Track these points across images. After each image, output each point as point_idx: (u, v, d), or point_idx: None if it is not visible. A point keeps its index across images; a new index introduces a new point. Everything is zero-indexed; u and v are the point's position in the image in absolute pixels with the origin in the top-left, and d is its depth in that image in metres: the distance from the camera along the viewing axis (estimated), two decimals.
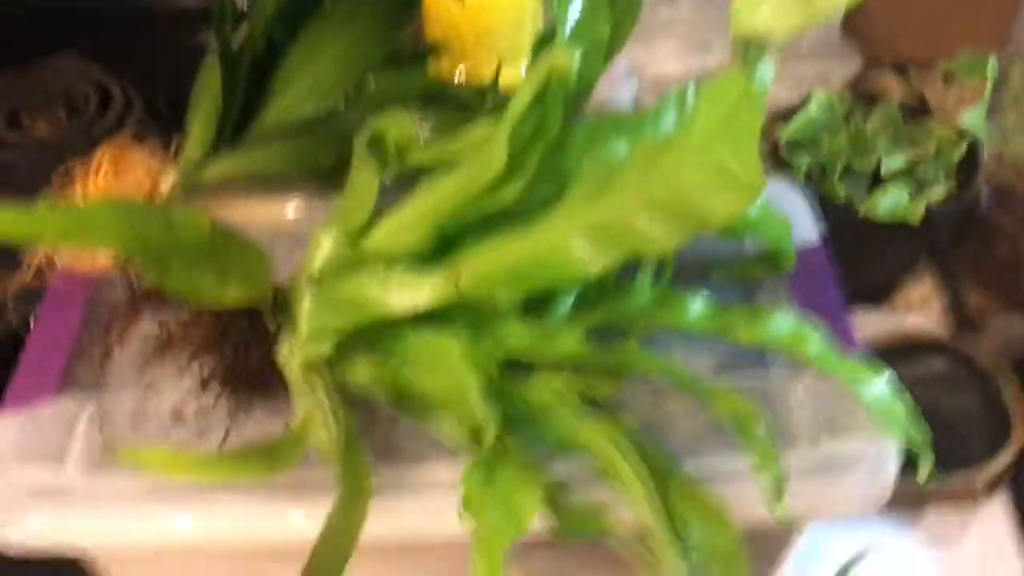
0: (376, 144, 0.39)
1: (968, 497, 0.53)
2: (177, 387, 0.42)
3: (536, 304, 0.39)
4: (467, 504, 0.32)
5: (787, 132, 0.60)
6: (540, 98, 0.34)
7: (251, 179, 0.50)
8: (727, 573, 0.39)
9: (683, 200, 0.33)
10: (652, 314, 0.41)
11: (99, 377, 0.42)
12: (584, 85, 0.37)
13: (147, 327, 0.42)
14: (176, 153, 0.49)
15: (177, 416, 0.41)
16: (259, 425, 0.40)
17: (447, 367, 0.34)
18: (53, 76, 0.83)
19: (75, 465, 0.40)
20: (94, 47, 0.83)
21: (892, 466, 0.41)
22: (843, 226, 0.59)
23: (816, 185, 0.60)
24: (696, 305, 0.41)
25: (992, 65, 0.56)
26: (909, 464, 0.53)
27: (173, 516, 0.38)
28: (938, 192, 0.58)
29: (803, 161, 0.59)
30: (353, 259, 0.37)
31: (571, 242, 0.35)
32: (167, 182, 0.48)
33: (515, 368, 0.37)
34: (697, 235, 0.44)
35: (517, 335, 0.37)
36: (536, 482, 0.34)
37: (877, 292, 0.66)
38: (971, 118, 0.59)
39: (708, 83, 0.33)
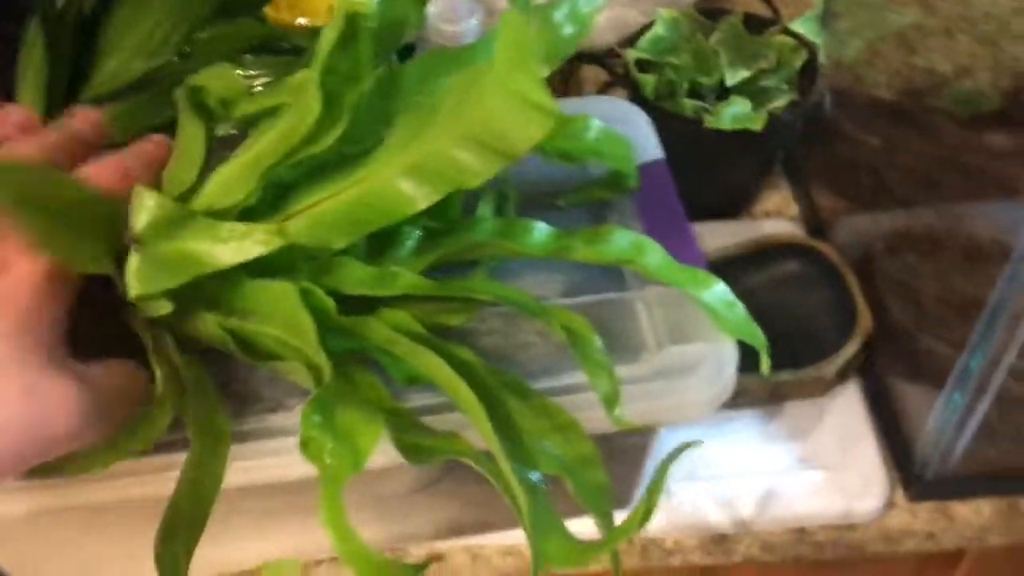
0: (199, 99, 0.39)
1: (821, 387, 0.56)
2: None
3: (381, 244, 0.40)
4: (305, 444, 0.33)
5: (633, 52, 0.62)
6: (347, 40, 0.34)
7: None
8: (584, 480, 0.41)
9: (491, 130, 0.34)
10: (495, 244, 0.42)
11: None
12: (395, 23, 0.37)
13: None
14: None
15: None
16: None
17: (284, 312, 0.35)
18: None
19: None
20: None
21: (731, 368, 0.43)
22: (693, 141, 0.62)
23: (664, 103, 0.62)
24: (538, 231, 0.42)
25: None
26: (772, 362, 0.56)
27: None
28: (781, 101, 0.61)
29: (650, 80, 0.61)
30: (180, 217, 0.37)
31: (395, 182, 0.36)
32: None
33: (359, 307, 0.38)
34: (544, 164, 0.46)
35: (355, 275, 0.37)
36: (376, 417, 0.35)
37: (736, 204, 0.69)
38: (804, 26, 0.61)
39: (505, 12, 0.34)
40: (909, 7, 0.58)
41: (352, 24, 0.34)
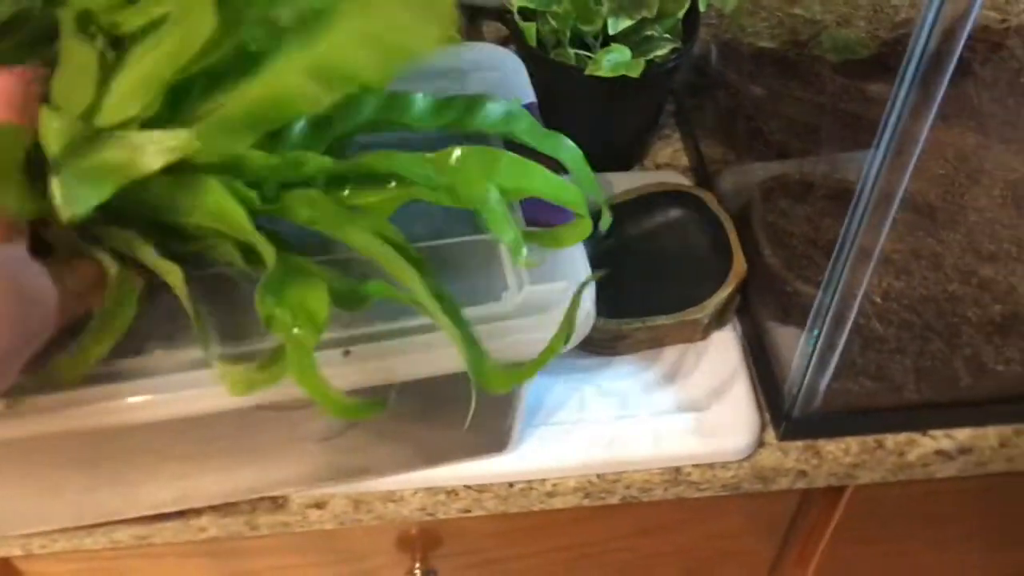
0: (84, 19, 0.38)
1: (698, 331, 0.58)
2: None
3: (269, 136, 0.40)
4: (267, 322, 0.36)
5: (517, 2, 0.62)
6: None
7: None
8: None
9: (392, 31, 0.37)
10: (382, 118, 0.43)
11: None
12: None
13: None
14: None
15: None
16: None
17: (214, 205, 0.37)
18: None
19: None
20: None
21: (589, 304, 0.44)
22: (577, 89, 0.62)
23: (548, 53, 0.62)
24: (419, 102, 0.44)
25: None
26: (648, 308, 0.57)
27: None
28: (662, 49, 0.61)
29: (533, 29, 0.61)
30: (94, 133, 0.37)
31: (298, 83, 0.38)
32: None
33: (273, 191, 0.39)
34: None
35: (266, 164, 0.38)
36: (318, 281, 0.38)
37: (628, 155, 0.70)
38: None
39: None
40: None
41: None
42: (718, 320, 0.58)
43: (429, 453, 0.52)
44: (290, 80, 0.37)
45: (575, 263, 0.45)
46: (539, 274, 0.45)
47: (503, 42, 0.73)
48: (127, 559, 0.61)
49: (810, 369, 0.52)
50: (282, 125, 0.39)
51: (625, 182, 0.65)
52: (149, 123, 0.37)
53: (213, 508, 0.53)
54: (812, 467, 0.56)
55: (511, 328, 0.43)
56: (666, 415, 0.56)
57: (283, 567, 0.64)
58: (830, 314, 0.48)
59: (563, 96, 0.64)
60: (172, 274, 0.38)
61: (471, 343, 0.39)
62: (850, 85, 0.57)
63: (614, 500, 0.57)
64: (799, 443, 0.56)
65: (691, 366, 0.58)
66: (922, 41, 0.37)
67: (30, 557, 0.59)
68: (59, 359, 0.38)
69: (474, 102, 0.45)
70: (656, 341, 0.58)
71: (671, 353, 0.58)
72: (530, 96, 0.52)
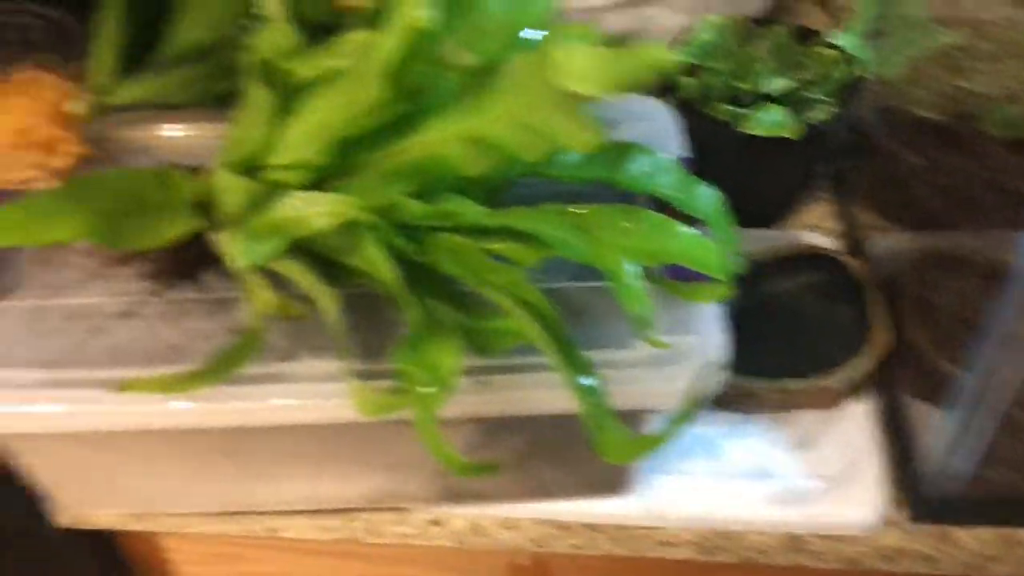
0: (264, 65, 0.42)
1: (831, 399, 0.57)
2: (78, 290, 0.46)
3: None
4: (401, 377, 0.38)
5: (677, 55, 0.63)
6: (408, 48, 0.37)
7: (158, 103, 0.53)
8: None
9: (544, 126, 0.39)
10: (533, 169, 0.45)
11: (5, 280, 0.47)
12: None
13: None
14: (84, 78, 0.52)
15: (71, 315, 0.46)
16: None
17: (368, 257, 0.40)
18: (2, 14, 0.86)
19: None
20: None
21: (719, 361, 0.45)
22: (729, 145, 0.63)
23: (702, 107, 0.63)
24: (570, 155, 0.45)
25: None
26: (781, 369, 0.57)
27: (76, 404, 0.43)
28: (820, 112, 0.61)
29: (691, 83, 0.62)
30: (263, 189, 0.40)
31: (454, 149, 0.40)
32: (77, 106, 0.51)
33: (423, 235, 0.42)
34: None
35: (422, 213, 0.41)
36: (457, 344, 0.40)
37: (775, 214, 0.69)
38: (847, 40, 0.61)
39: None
40: (957, 28, 0.58)
41: (414, 36, 0.36)
42: (853, 390, 0.57)
43: (548, 486, 0.54)
44: (448, 144, 0.40)
45: (709, 319, 0.46)
46: (672, 325, 0.45)
47: (657, 93, 0.75)
48: (255, 548, 0.64)
49: (946, 451, 0.51)
50: (438, 181, 0.41)
51: (770, 240, 0.65)
52: (316, 171, 0.40)
53: (340, 511, 0.56)
54: (941, 553, 0.54)
55: (638, 377, 0.44)
56: (792, 480, 0.55)
57: (396, 575, 0.66)
58: (972, 397, 0.47)
59: (713, 151, 0.65)
60: (326, 298, 0.40)
61: (596, 410, 0.40)
62: (1014, 163, 0.55)
63: (728, 559, 0.56)
64: (929, 526, 0.54)
65: (821, 434, 0.57)
66: None
67: (174, 535, 0.63)
68: (201, 368, 0.41)
69: (624, 152, 0.47)
70: (787, 404, 0.57)
71: (802, 418, 0.58)
72: (682, 151, 0.54)
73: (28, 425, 0.44)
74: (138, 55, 0.53)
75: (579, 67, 0.35)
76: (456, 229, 0.42)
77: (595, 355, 0.42)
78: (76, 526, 0.57)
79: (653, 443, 0.41)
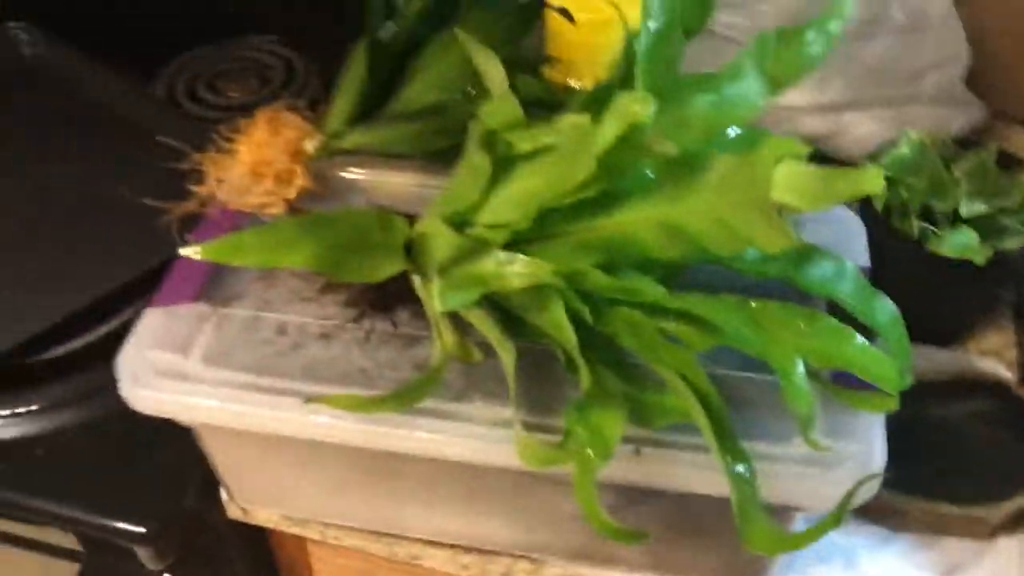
0: (489, 136, 0.46)
1: (984, 530, 0.55)
2: (288, 308, 0.51)
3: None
4: (567, 436, 0.41)
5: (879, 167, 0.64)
6: (623, 139, 0.40)
7: (380, 151, 0.59)
8: None
9: (739, 225, 0.41)
10: (715, 257, 0.47)
11: (228, 293, 0.53)
12: None
13: None
14: (322, 122, 0.59)
15: (281, 330, 0.51)
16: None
17: (551, 317, 0.43)
18: (249, 51, 0.97)
19: (197, 356, 0.50)
20: (286, 29, 0.96)
21: (874, 470, 0.45)
22: (913, 261, 0.63)
23: (893, 221, 0.63)
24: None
25: None
26: (936, 491, 0.56)
27: (272, 409, 0.48)
28: (1013, 242, 0.61)
29: (883, 197, 0.63)
30: (469, 244, 0.45)
31: (648, 233, 0.43)
32: (312, 145, 0.58)
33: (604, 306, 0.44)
34: None
35: (607, 286, 0.44)
36: (622, 413, 0.42)
37: (953, 336, 0.68)
38: None
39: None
40: None
41: (629, 127, 0.40)
42: (1010, 525, 0.56)
43: (684, 565, 0.55)
44: (645, 227, 0.43)
45: (872, 429, 0.46)
46: (832, 429, 0.46)
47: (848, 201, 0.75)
48: (395, 572, 0.68)
49: None
50: (626, 258, 0.44)
51: (943, 360, 0.64)
52: (518, 233, 0.44)
53: (480, 551, 0.59)
54: None
55: (792, 474, 0.45)
56: None
57: None
58: None
59: (897, 265, 0.65)
60: (507, 352, 0.44)
61: (747, 498, 0.41)
62: None
63: None
64: None
65: (969, 565, 0.55)
66: None
67: (322, 544, 0.68)
68: (386, 395, 0.45)
69: (806, 253, 0.48)
70: (937, 529, 0.56)
71: (950, 545, 0.56)
72: (864, 260, 0.54)
73: (223, 419, 0.49)
74: (371, 107, 0.59)
75: (793, 183, 0.37)
76: (636, 305, 0.45)
77: (752, 446, 0.44)
78: (242, 519, 0.63)
79: (799, 541, 0.41)
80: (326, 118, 0.59)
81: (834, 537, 0.57)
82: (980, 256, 0.59)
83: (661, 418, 0.44)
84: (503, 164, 0.44)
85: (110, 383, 0.49)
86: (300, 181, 0.56)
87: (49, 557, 0.64)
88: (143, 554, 0.60)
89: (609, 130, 0.40)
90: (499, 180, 0.45)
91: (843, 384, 0.47)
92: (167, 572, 0.64)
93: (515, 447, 0.43)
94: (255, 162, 0.56)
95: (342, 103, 0.58)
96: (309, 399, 0.45)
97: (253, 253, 0.41)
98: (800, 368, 0.43)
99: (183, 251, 0.41)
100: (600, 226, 0.44)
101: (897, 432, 0.60)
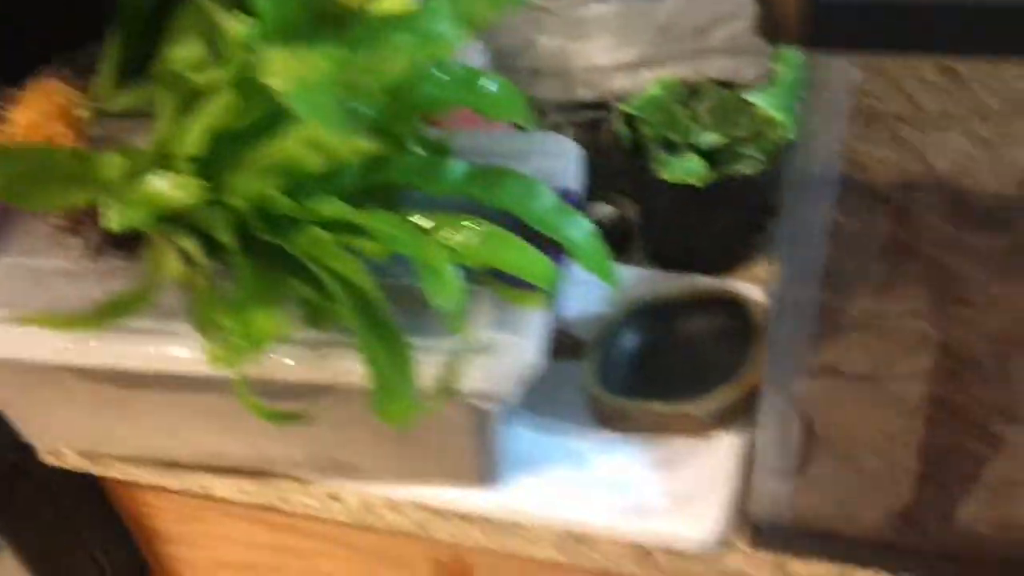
0: (171, 75, 0.52)
1: (696, 426, 0.60)
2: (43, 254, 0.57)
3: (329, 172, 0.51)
4: (225, 332, 0.48)
5: (624, 106, 0.69)
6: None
7: (146, 111, 0.65)
8: None
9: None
10: (419, 177, 0.53)
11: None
12: None
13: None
14: (90, 90, 0.64)
15: (35, 272, 0.57)
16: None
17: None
18: None
19: None
20: None
21: (533, 357, 0.50)
22: (659, 193, 0.68)
23: (646, 156, 0.68)
24: (454, 170, 0.53)
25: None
26: (654, 394, 0.61)
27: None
28: (744, 167, 0.66)
29: (626, 133, 0.68)
30: (138, 172, 0.50)
31: (297, 150, 0.49)
32: (81, 110, 0.63)
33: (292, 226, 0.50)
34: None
35: (289, 207, 0.50)
36: (275, 309, 0.49)
37: (717, 264, 0.73)
38: (765, 99, 0.65)
39: None
40: (892, 98, 0.61)
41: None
42: (723, 422, 0.60)
43: (410, 469, 0.60)
44: (296, 146, 0.49)
45: (533, 324, 0.51)
46: (499, 324, 0.51)
47: (602, 143, 0.80)
48: (214, 512, 0.73)
49: (771, 478, 0.53)
50: (296, 177, 0.50)
51: (691, 285, 0.69)
52: (200, 163, 0.50)
53: (258, 477, 0.64)
54: None
55: (457, 363, 0.50)
56: (649, 497, 0.58)
57: (325, 553, 0.73)
58: (775, 420, 0.50)
59: (650, 200, 0.70)
60: (204, 266, 0.49)
61: (387, 381, 0.47)
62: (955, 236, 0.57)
63: (589, 565, 0.60)
64: (767, 554, 0.57)
65: (685, 458, 0.60)
66: None
67: (144, 489, 0.73)
68: (90, 312, 0.51)
69: (499, 176, 0.54)
70: (658, 428, 0.61)
71: (674, 444, 0.61)
72: (574, 184, 0.60)
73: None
74: (138, 69, 0.65)
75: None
76: (320, 224, 0.50)
77: (423, 341, 0.49)
78: (54, 464, 0.68)
79: (420, 409, 0.47)
80: (94, 84, 0.64)
81: (568, 441, 0.63)
82: (699, 179, 0.64)
83: (327, 318, 0.49)
84: (188, 101, 0.50)
85: None
86: (67, 142, 0.62)
87: None
88: None
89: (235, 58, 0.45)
90: (185, 115, 0.50)
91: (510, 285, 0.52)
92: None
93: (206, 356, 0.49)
94: (28, 128, 0.62)
95: (107, 68, 0.64)
96: (22, 318, 0.50)
97: None
98: (448, 266, 0.48)
99: None
100: (270, 151, 0.49)
101: (641, 349, 0.66)
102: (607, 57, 0.87)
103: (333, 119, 0.44)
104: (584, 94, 0.88)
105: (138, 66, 0.65)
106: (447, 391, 0.47)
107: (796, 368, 0.49)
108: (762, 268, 0.74)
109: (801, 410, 0.51)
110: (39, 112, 0.62)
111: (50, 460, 0.68)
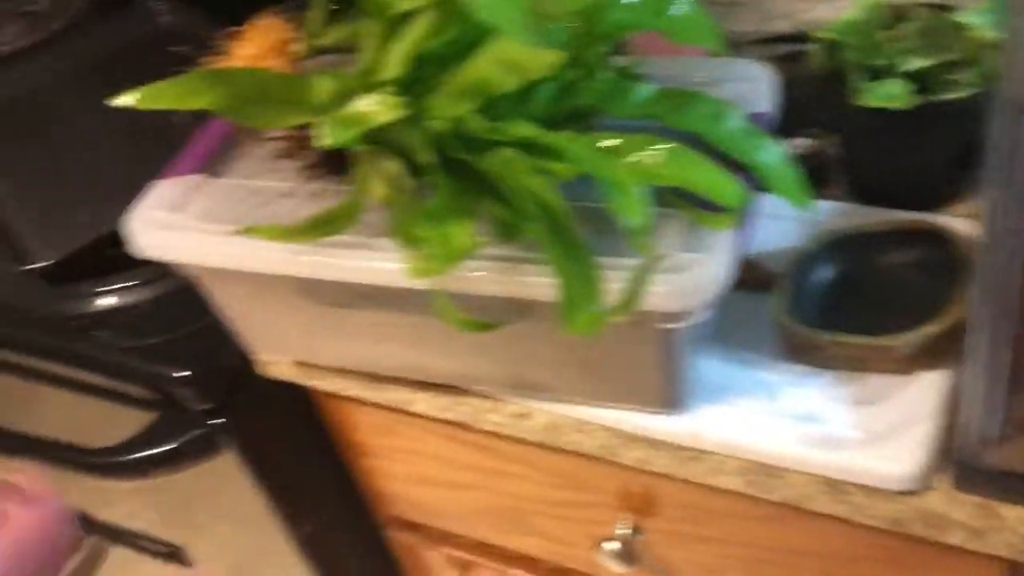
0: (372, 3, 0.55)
1: (897, 362, 0.58)
2: (262, 176, 0.62)
3: (523, 96, 0.54)
4: (421, 243, 0.51)
5: (822, 32, 0.67)
6: None
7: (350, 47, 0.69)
8: None
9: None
10: (607, 100, 0.54)
11: (218, 169, 0.64)
12: None
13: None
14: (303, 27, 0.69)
15: (255, 192, 0.62)
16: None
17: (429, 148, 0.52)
18: None
19: (190, 213, 0.62)
20: None
21: (718, 278, 0.50)
22: (862, 122, 0.65)
23: (844, 82, 0.65)
24: (642, 91, 0.53)
25: None
26: (851, 327, 0.60)
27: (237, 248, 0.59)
28: (957, 93, 0.62)
29: (824, 61, 0.66)
30: (349, 92, 0.54)
31: (491, 73, 0.51)
32: (296, 45, 0.68)
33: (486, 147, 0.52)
34: None
35: (482, 127, 0.51)
36: (470, 222, 0.51)
37: (927, 198, 0.69)
38: (979, 16, 0.61)
39: None
40: None
41: None
42: (924, 358, 0.58)
43: (597, 390, 0.61)
44: (487, 67, 0.50)
45: (720, 245, 0.51)
46: (685, 244, 0.51)
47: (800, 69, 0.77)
48: (401, 425, 0.78)
49: (980, 420, 0.51)
50: (490, 98, 0.51)
51: (895, 219, 0.66)
52: (402, 85, 0.52)
53: (453, 394, 0.68)
54: (986, 527, 0.54)
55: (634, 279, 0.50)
56: (843, 431, 0.57)
57: (514, 473, 0.76)
58: (985, 358, 0.47)
59: (850, 130, 0.68)
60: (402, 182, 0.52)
61: (576, 293, 0.48)
62: None
63: (774, 497, 0.60)
64: (974, 497, 0.54)
65: (884, 395, 0.58)
66: None
67: (346, 401, 0.79)
68: (304, 224, 0.55)
69: (688, 98, 0.54)
70: (855, 363, 0.59)
71: (871, 381, 0.59)
72: (765, 107, 0.58)
73: (208, 259, 0.61)
74: (344, 8, 0.69)
75: None
76: (513, 145, 0.52)
77: (609, 260, 0.50)
78: (270, 375, 0.75)
79: (605, 317, 0.48)
80: (308, 21, 0.69)
81: (758, 373, 0.62)
82: (902, 103, 0.61)
83: (519, 233, 0.51)
84: (391, 27, 0.53)
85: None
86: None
87: (129, 407, 0.79)
88: (187, 395, 0.74)
89: None
90: (389, 41, 0.53)
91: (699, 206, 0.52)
92: (219, 420, 0.77)
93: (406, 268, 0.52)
94: (247, 62, 0.67)
95: (318, 5, 0.68)
96: (246, 229, 0.55)
97: (167, 98, 0.51)
98: (636, 184, 0.49)
99: (115, 101, 0.51)
100: (466, 72, 0.51)
101: (833, 279, 0.64)
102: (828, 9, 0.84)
103: (522, 29, 0.45)
104: (781, 26, 0.85)
105: (347, 4, 0.69)
106: (631, 303, 0.47)
107: (1007, 304, 0.46)
108: (973, 204, 0.70)
109: (1012, 347, 0.48)
110: (258, 47, 0.67)
111: (267, 370, 0.75)
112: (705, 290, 0.50)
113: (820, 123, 0.74)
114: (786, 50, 0.83)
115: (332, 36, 0.68)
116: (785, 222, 0.67)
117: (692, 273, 0.50)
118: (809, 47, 0.72)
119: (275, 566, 0.94)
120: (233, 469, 0.81)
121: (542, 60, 0.47)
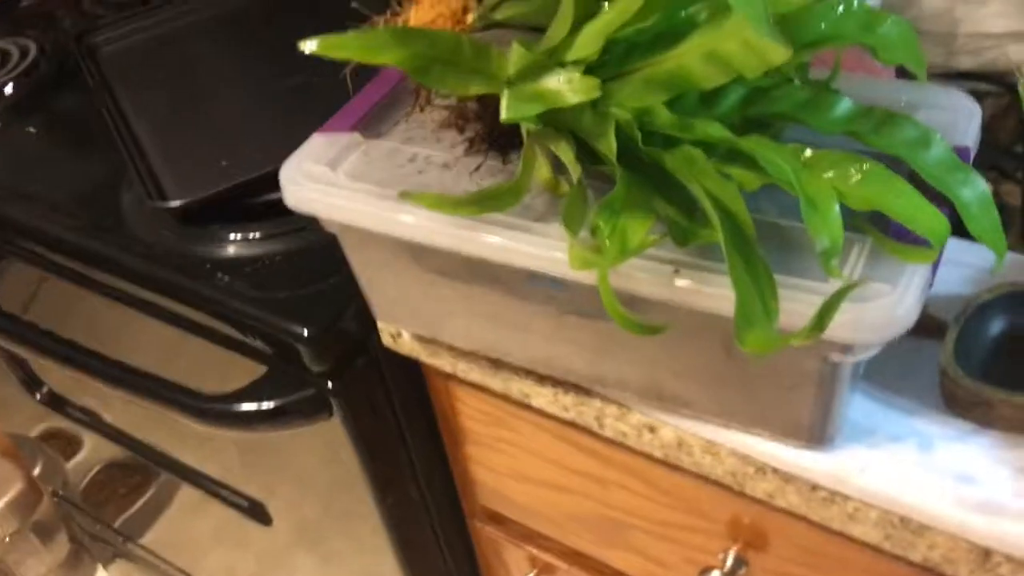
0: None
1: None
2: (423, 144, 0.61)
3: (708, 97, 0.51)
4: (593, 233, 0.47)
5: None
6: None
7: (527, 24, 0.67)
8: None
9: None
10: (803, 110, 0.51)
11: (378, 130, 0.63)
12: None
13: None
14: None
15: (412, 159, 0.60)
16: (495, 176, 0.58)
17: (599, 131, 0.49)
18: None
19: (342, 171, 0.60)
20: None
21: (906, 313, 0.46)
22: None
23: None
24: (840, 107, 0.51)
25: None
26: (1016, 383, 0.55)
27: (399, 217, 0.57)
28: None
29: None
30: (539, 66, 0.52)
31: (694, 63, 0.48)
32: (471, 15, 0.66)
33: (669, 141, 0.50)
34: None
35: (667, 121, 0.49)
36: (647, 218, 0.48)
37: None
38: None
39: None
40: None
41: None
42: None
43: (738, 412, 0.57)
44: (691, 59, 0.47)
45: (914, 275, 0.47)
46: (872, 273, 0.48)
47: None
48: (515, 419, 0.75)
49: None
50: (683, 92, 0.49)
51: None
52: (591, 66, 0.50)
53: (577, 393, 0.65)
54: None
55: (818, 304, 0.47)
56: (1004, 498, 0.53)
57: (624, 486, 0.73)
58: None
59: None
60: (573, 170, 0.50)
61: (752, 307, 0.44)
62: None
63: (913, 557, 0.56)
64: None
65: None
66: None
67: (459, 384, 0.77)
68: (466, 197, 0.53)
69: (893, 119, 0.50)
70: (1020, 423, 0.55)
71: None
72: (967, 141, 0.54)
73: (352, 219, 0.59)
74: None
75: None
76: (697, 144, 0.49)
77: (786, 279, 0.47)
78: (391, 347, 0.73)
79: (785, 340, 0.44)
80: None
81: (913, 422, 0.58)
82: None
83: (694, 238, 0.48)
84: (587, 4, 0.50)
85: (308, 223, 0.63)
86: None
87: (242, 356, 0.79)
88: (305, 353, 0.73)
89: None
90: (582, 21, 0.50)
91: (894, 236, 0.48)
92: (332, 383, 0.75)
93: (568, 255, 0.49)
94: (421, 23, 0.65)
95: None
96: (401, 193, 0.54)
97: (353, 49, 0.49)
98: (833, 202, 0.45)
99: (302, 45, 0.50)
100: (663, 61, 0.49)
101: (1006, 333, 0.59)
102: (1000, 24, 0.79)
103: (764, 20, 0.42)
104: (966, 62, 0.80)
105: None
106: (819, 327, 0.44)
107: None
108: None
109: None
110: (434, 13, 0.66)
111: (388, 341, 0.73)
112: (891, 325, 0.46)
113: (1003, 171, 0.69)
114: (968, 88, 0.78)
115: (506, 11, 0.66)
116: (955, 267, 0.63)
117: (880, 305, 0.46)
118: (992, 87, 0.68)
119: (350, 537, 0.94)
120: (330, 434, 0.80)
121: (763, 53, 0.44)
